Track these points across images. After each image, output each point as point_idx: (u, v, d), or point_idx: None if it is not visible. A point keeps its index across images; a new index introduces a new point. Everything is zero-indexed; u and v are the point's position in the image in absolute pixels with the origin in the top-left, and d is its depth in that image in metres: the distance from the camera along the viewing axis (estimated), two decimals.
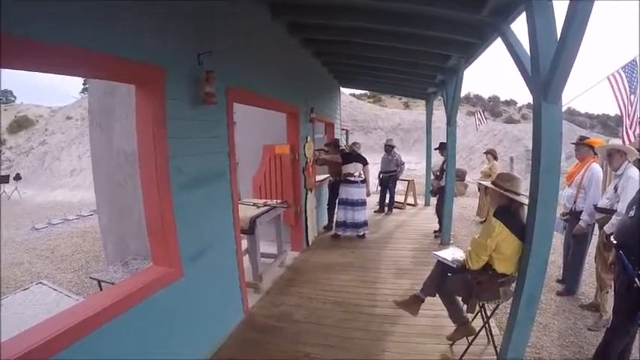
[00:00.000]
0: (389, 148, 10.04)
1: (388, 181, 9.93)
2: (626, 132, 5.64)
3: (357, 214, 7.45)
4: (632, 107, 5.57)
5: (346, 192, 7.47)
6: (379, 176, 10.22)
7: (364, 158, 7.77)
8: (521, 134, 27.25)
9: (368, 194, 7.77)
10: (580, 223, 4.67)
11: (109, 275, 5.16)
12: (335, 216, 7.88)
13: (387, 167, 9.98)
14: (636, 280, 2.92)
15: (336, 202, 7.82)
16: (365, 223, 7.60)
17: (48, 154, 27.35)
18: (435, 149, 8.46)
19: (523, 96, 65.40)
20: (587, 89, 7.14)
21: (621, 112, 5.73)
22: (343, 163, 7.56)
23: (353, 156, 7.72)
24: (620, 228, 3.39)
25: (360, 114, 37.93)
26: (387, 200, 10.08)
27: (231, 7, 4.06)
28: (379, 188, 10.31)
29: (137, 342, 2.70)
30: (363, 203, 7.55)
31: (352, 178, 7.47)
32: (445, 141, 7.45)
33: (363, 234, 7.60)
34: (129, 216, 5.94)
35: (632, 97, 5.56)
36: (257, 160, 7.00)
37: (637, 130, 5.61)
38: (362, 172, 7.62)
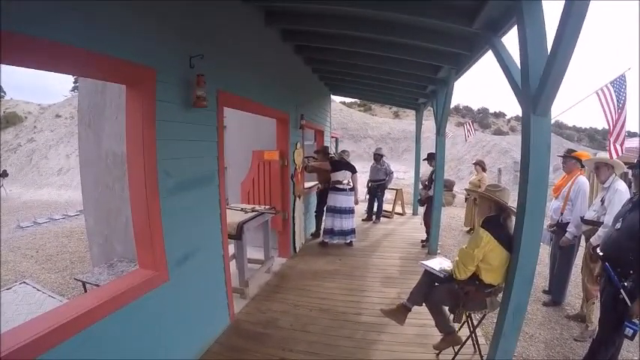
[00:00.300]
0: (378, 156, 10.04)
1: (377, 189, 9.93)
2: (613, 146, 5.73)
3: (345, 221, 7.43)
4: (619, 121, 5.66)
5: (335, 199, 7.45)
6: (368, 185, 10.22)
7: (353, 166, 7.76)
8: (509, 146, 27.48)
9: (356, 202, 7.75)
10: (566, 234, 4.71)
11: (94, 277, 5.11)
12: (323, 223, 7.86)
13: (375, 176, 9.97)
14: (622, 291, 2.96)
15: (324, 209, 7.78)
16: (352, 231, 7.58)
17: (36, 152, 27.05)
18: (424, 160, 8.50)
19: (512, 108, 66.09)
20: (575, 103, 7.26)
21: (609, 126, 5.81)
22: (332, 170, 7.51)
23: (342, 164, 7.69)
24: (607, 240, 3.44)
25: (350, 122, 38.00)
26: (375, 209, 10.09)
27: (224, 12, 4.07)
28: (367, 197, 10.31)
29: (122, 345, 2.67)
30: (351, 211, 7.53)
31: (341, 186, 7.46)
32: (434, 151, 7.49)
33: (350, 241, 7.57)
34: (115, 218, 5.90)
35: (620, 111, 5.65)
36: (246, 165, 6.98)
37: (624, 144, 5.70)
38: (351, 180, 7.61)
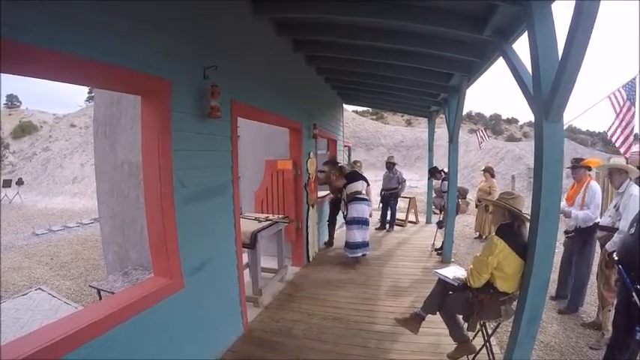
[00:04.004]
0: (390, 165, 10.04)
1: (389, 198, 9.93)
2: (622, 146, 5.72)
3: (366, 232, 7.17)
4: (627, 123, 5.64)
5: (360, 210, 7.09)
6: (381, 193, 10.20)
7: (366, 178, 7.62)
8: (522, 152, 27.23)
9: (370, 214, 7.58)
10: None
11: (109, 284, 5.16)
12: (348, 237, 7.06)
13: (388, 184, 9.96)
14: (634, 294, 2.94)
15: (335, 220, 7.60)
16: (368, 244, 7.32)
17: (51, 161, 27.45)
18: (428, 178, 8.58)
19: (525, 114, 65.70)
20: (588, 108, 7.23)
21: (615, 126, 5.79)
22: (348, 182, 7.31)
23: (358, 175, 7.55)
24: (622, 245, 3.43)
25: (363, 131, 38.07)
26: (388, 217, 10.07)
27: (237, 24, 4.12)
28: (380, 205, 10.30)
29: (136, 352, 2.69)
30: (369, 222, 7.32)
31: (361, 196, 7.20)
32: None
33: (364, 254, 7.23)
34: (131, 226, 5.96)
35: (629, 112, 5.64)
36: (259, 175, 7.02)
37: (637, 147, 5.67)
38: (366, 191, 7.39)
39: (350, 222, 7.08)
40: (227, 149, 3.97)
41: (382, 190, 10.16)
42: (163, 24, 2.91)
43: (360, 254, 7.02)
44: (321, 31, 5.10)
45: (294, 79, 6.21)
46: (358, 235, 6.99)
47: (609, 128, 5.92)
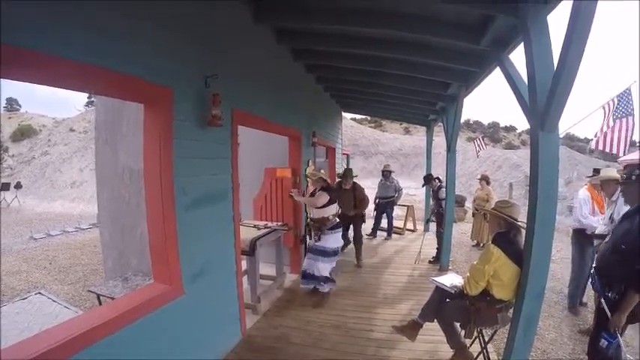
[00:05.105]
0: (387, 173, 10.02)
1: (385, 206, 9.93)
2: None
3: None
4: (621, 128, 5.72)
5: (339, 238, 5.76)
6: (375, 201, 10.14)
7: None
8: (520, 160, 27.26)
9: None
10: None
11: (109, 290, 5.16)
12: (324, 271, 5.44)
13: (384, 193, 9.95)
14: (602, 300, 3.12)
15: (347, 235, 6.76)
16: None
17: (49, 165, 27.38)
18: (423, 185, 8.67)
19: (523, 122, 65.67)
20: (585, 116, 7.33)
21: (601, 131, 5.88)
22: (329, 203, 5.51)
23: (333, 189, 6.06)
24: (599, 253, 3.53)
25: (361, 138, 38.10)
26: (382, 225, 10.09)
27: (237, 33, 4.16)
28: (374, 213, 10.28)
29: (136, 357, 2.71)
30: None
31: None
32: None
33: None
34: (131, 232, 5.96)
35: (621, 120, 5.72)
36: (258, 182, 7.04)
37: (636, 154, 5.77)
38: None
39: (335, 253, 5.59)
40: (227, 157, 4.00)
41: (377, 197, 10.14)
42: (165, 33, 2.97)
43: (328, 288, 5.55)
44: (320, 40, 5.15)
45: (293, 87, 6.25)
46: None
47: (596, 137, 6.03)
